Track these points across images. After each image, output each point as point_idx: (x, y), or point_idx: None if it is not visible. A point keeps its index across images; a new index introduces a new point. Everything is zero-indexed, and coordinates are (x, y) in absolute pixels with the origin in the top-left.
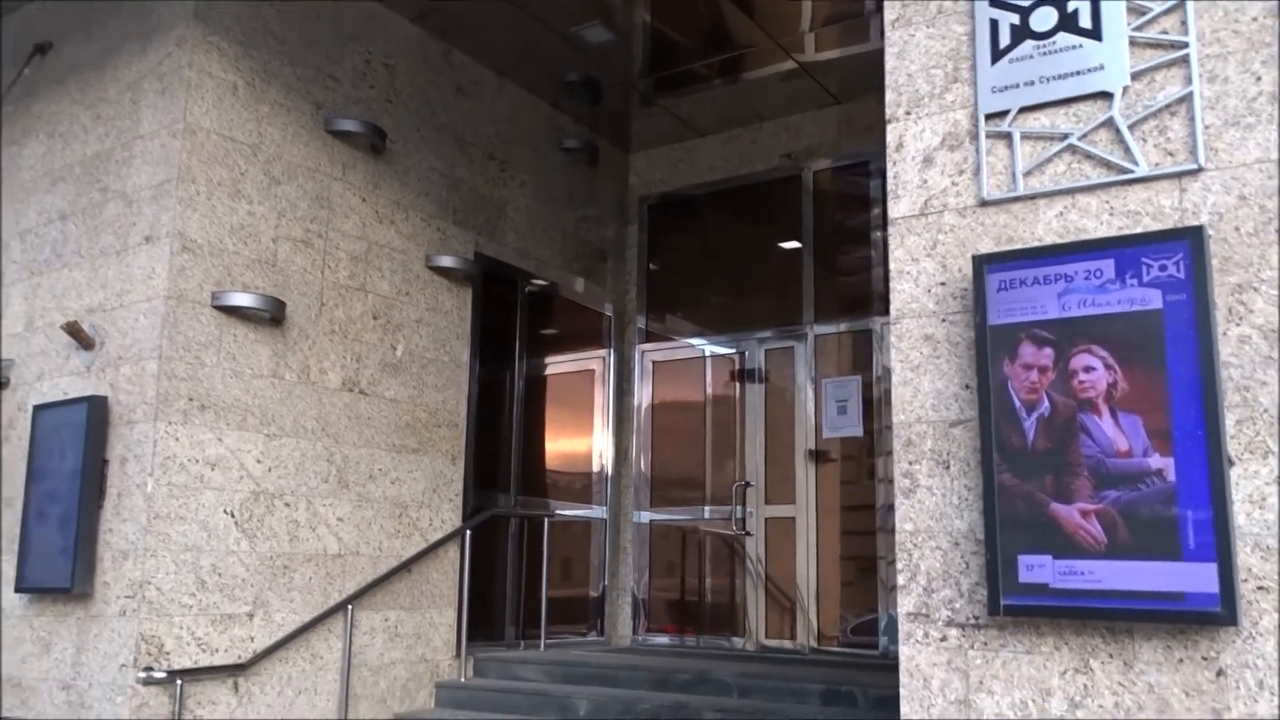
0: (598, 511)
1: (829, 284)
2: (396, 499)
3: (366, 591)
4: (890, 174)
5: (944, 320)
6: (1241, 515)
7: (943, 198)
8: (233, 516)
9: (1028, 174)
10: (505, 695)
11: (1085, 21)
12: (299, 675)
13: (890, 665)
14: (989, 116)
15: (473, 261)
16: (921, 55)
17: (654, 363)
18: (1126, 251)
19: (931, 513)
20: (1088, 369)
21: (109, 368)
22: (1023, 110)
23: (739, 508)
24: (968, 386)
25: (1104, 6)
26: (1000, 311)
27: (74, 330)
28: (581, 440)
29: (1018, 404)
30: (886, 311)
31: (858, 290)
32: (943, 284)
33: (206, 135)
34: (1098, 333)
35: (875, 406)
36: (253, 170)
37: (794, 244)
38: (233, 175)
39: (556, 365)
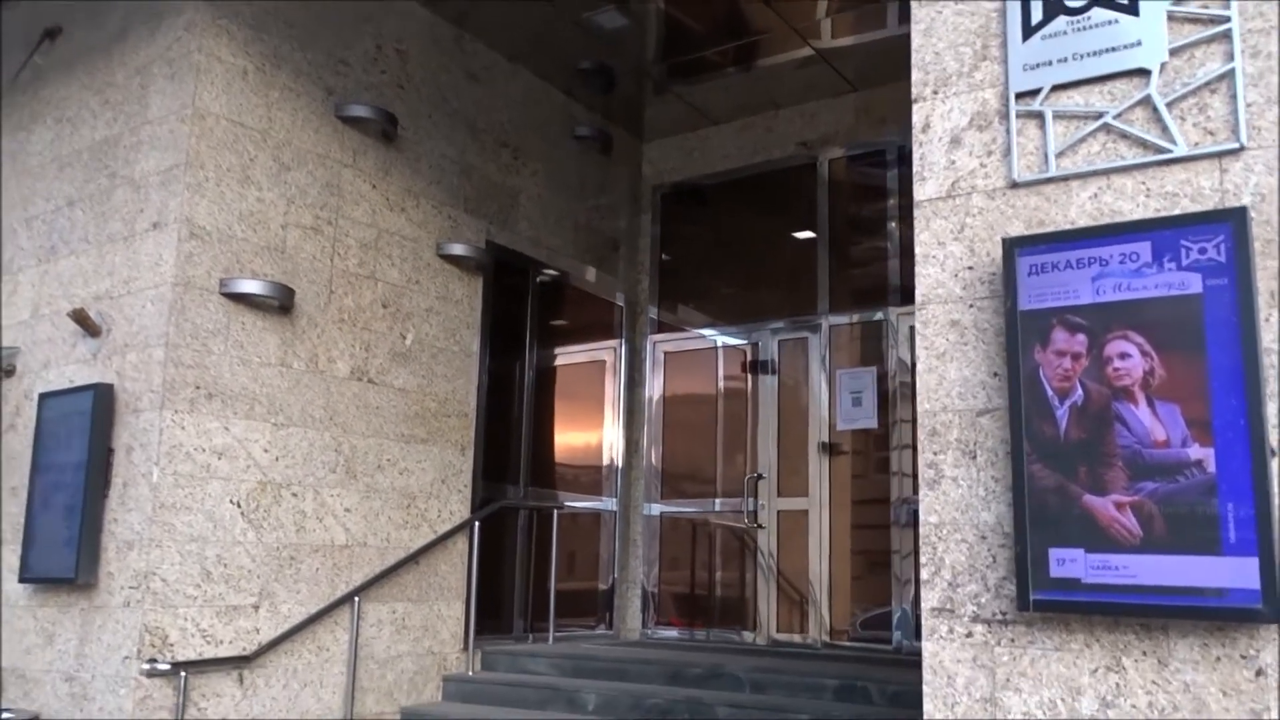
0: (608, 503)
1: (844, 274)
2: (405, 490)
3: (374, 583)
4: (916, 155)
5: (971, 306)
6: None
7: (971, 179)
8: (239, 507)
9: (1060, 154)
10: (513, 689)
11: None
12: (305, 668)
13: (904, 660)
14: (1020, 95)
15: (484, 250)
16: (949, 32)
17: (666, 353)
18: (1164, 234)
19: (957, 504)
20: (1123, 356)
21: (115, 355)
22: (1055, 88)
23: (751, 500)
24: (996, 374)
25: None
26: (1031, 296)
27: (80, 317)
28: (592, 431)
29: (1049, 392)
30: (902, 302)
31: (873, 281)
32: (970, 268)
33: (215, 120)
34: (1134, 318)
35: (891, 398)
36: (262, 156)
37: (809, 234)
38: (242, 161)
39: (567, 355)
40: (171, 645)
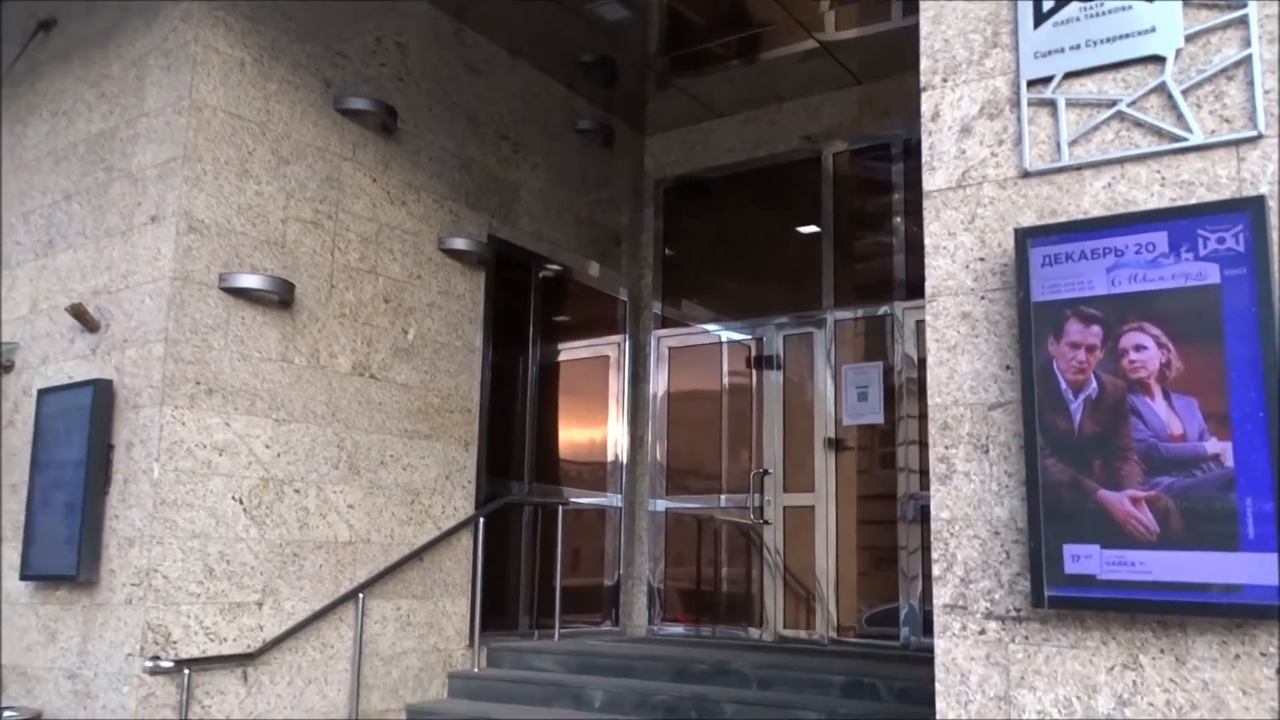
0: (613, 499)
1: (849, 269)
2: (408, 486)
3: (378, 580)
4: (925, 144)
5: (983, 298)
6: None
7: (981, 169)
8: (241, 503)
9: (1073, 143)
10: (519, 686)
11: None
12: (309, 665)
13: (912, 657)
14: (1031, 83)
15: (486, 244)
16: (959, 19)
17: (670, 349)
18: (1181, 223)
19: (969, 500)
20: (1139, 348)
21: (114, 350)
22: (1068, 76)
23: (757, 496)
24: (1008, 367)
25: None
26: (1044, 288)
27: (78, 312)
28: (596, 427)
29: (1063, 385)
30: (908, 297)
31: (878, 275)
32: (981, 259)
33: (213, 113)
34: (1150, 309)
35: (897, 394)
36: (260, 149)
37: (813, 228)
38: (240, 154)
39: (571, 351)
40: (174, 643)
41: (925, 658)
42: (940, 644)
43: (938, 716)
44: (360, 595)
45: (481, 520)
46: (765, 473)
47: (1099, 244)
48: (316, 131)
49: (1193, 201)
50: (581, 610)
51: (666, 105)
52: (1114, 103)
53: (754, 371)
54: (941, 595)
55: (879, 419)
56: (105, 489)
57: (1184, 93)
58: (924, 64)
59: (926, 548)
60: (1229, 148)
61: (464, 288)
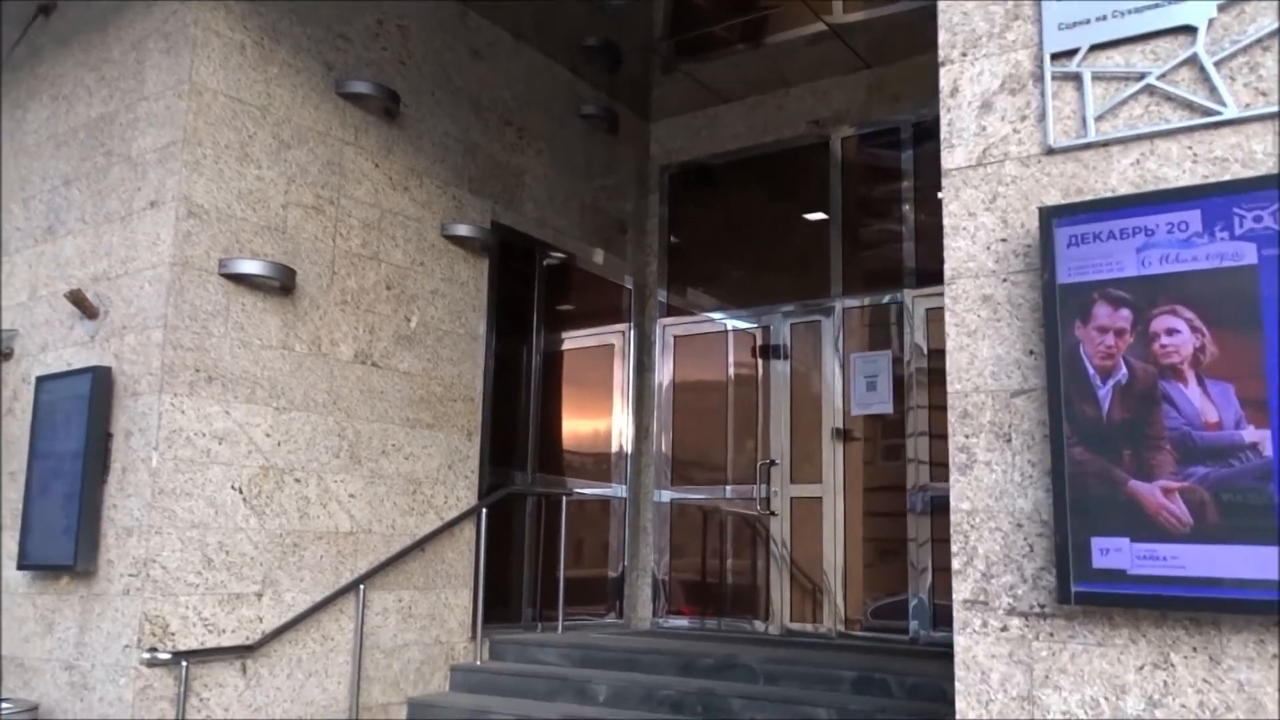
0: (617, 490)
1: (857, 256)
2: (410, 475)
3: (379, 571)
4: (944, 121)
5: (1005, 280)
6: None
7: (1003, 146)
8: (241, 492)
9: (1099, 118)
10: (522, 679)
11: None
12: (309, 657)
13: (922, 651)
14: (1055, 56)
15: (489, 231)
16: None
17: (675, 337)
18: (1216, 201)
19: (990, 491)
20: (1171, 332)
21: (113, 337)
22: (1094, 48)
23: (764, 487)
24: (1032, 352)
25: None
26: (1071, 269)
27: (77, 299)
28: (600, 417)
29: (1091, 371)
30: (918, 284)
31: (888, 263)
32: (1003, 240)
33: (213, 96)
34: (1182, 291)
35: (906, 384)
36: (261, 133)
37: (821, 215)
38: (240, 138)
39: (575, 339)
40: (172, 634)
41: (935, 652)
42: (960, 641)
43: (958, 716)
44: (361, 586)
45: (484, 511)
46: (772, 463)
47: (1128, 223)
48: (318, 116)
49: (1227, 178)
50: (585, 602)
51: (672, 90)
52: (1143, 76)
53: (760, 360)
54: (961, 590)
55: (888, 409)
56: (103, 478)
57: (1217, 64)
58: (942, 37)
59: (937, 540)
60: (1265, 121)
61: (467, 275)
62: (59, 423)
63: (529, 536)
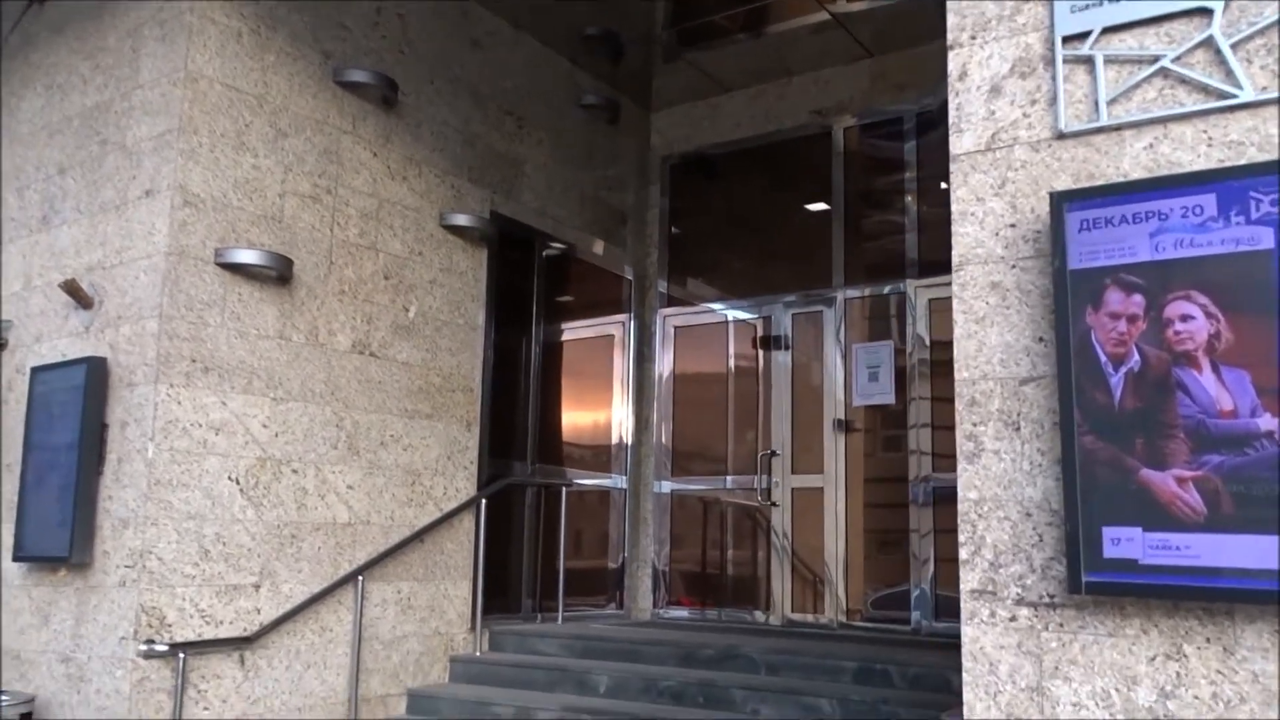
0: (617, 481)
1: (860, 246)
2: (409, 466)
3: (378, 562)
4: (952, 105)
5: (1014, 266)
6: None
7: (1013, 130)
8: (238, 483)
9: (1112, 102)
10: (522, 670)
11: None
12: (308, 648)
13: (924, 642)
14: (1067, 39)
15: (489, 221)
16: None
17: (676, 328)
18: (1232, 185)
19: (999, 479)
20: (1185, 318)
21: (109, 328)
22: (1106, 31)
23: (764, 478)
24: (1041, 339)
25: None
26: (1082, 255)
27: (72, 289)
28: (600, 407)
29: (1103, 358)
30: (921, 275)
31: (890, 253)
32: (1012, 226)
33: (209, 84)
34: (1197, 277)
35: (909, 375)
36: (258, 122)
37: (823, 205)
38: (237, 126)
39: (575, 330)
40: (169, 626)
41: (938, 643)
42: (968, 631)
43: (965, 708)
44: (360, 578)
45: (484, 502)
46: (773, 454)
47: (1141, 207)
48: (315, 104)
49: (1243, 162)
50: (585, 593)
51: (673, 80)
52: (1156, 59)
53: (761, 351)
54: (969, 580)
55: (890, 399)
56: (99, 469)
57: (1233, 47)
58: (951, 20)
59: (939, 531)
60: None
61: (466, 265)
62: (54, 414)
63: (528, 527)
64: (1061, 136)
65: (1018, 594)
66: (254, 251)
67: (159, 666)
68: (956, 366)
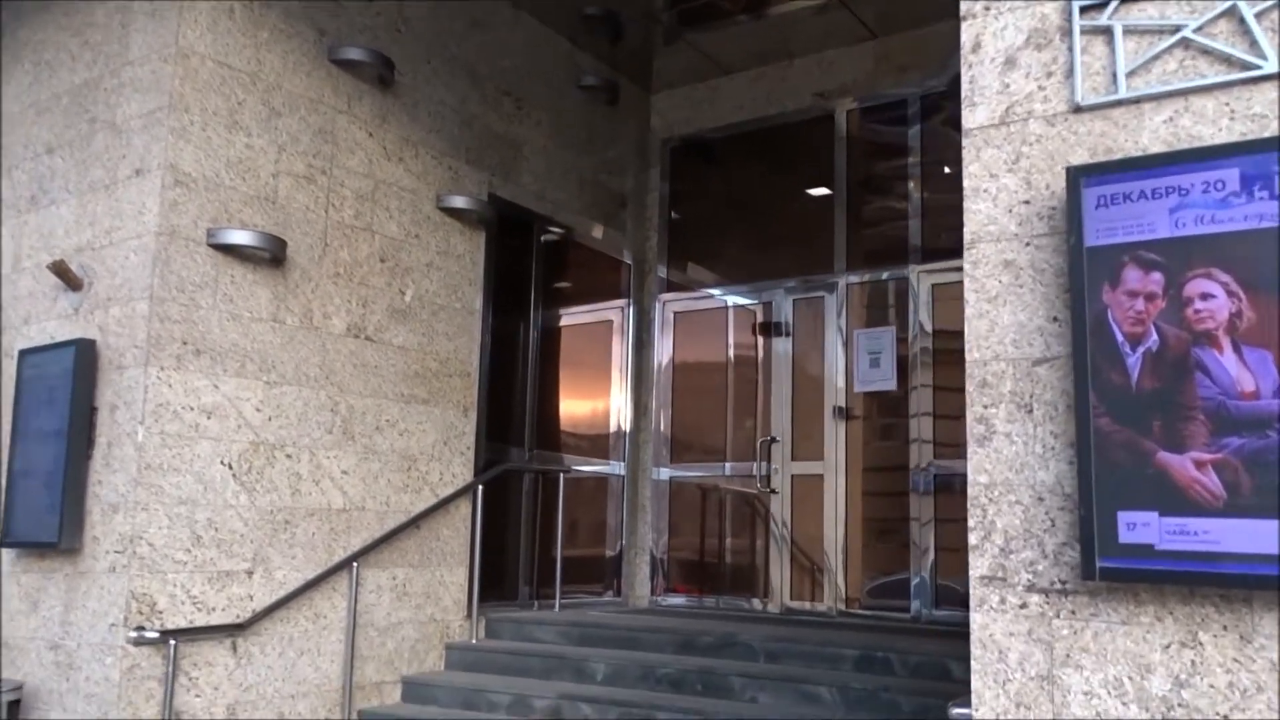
0: (615, 467)
1: (862, 231)
2: (405, 452)
3: (373, 548)
4: (965, 78)
5: (1028, 244)
6: None
7: (1028, 104)
8: (230, 468)
9: (1131, 74)
10: (519, 657)
11: None
12: (301, 636)
13: (923, 630)
14: (1084, 9)
15: (486, 203)
16: None
17: (675, 314)
18: (1255, 159)
19: (1010, 463)
20: (1205, 296)
21: (98, 309)
22: (1125, 1)
23: (764, 464)
24: (1055, 319)
25: None
26: (1099, 231)
27: (60, 270)
28: (599, 393)
29: (1119, 337)
30: (924, 260)
31: (892, 239)
32: (1026, 202)
33: (201, 61)
34: (1218, 254)
35: (911, 363)
36: (251, 100)
37: (825, 190)
38: (229, 105)
39: (573, 315)
40: (160, 612)
41: (938, 631)
42: (976, 618)
43: (973, 697)
44: (354, 564)
45: (480, 488)
46: (773, 440)
47: (1161, 183)
48: (310, 83)
49: (1267, 135)
50: (582, 581)
51: (673, 61)
52: (1177, 29)
53: (762, 337)
54: (978, 566)
55: (892, 386)
56: (88, 453)
57: (1258, 16)
58: None
59: (940, 520)
60: None
61: (463, 248)
62: (42, 397)
63: (525, 514)
64: (1078, 110)
65: (1029, 580)
66: (247, 232)
67: (150, 654)
68: (967, 347)
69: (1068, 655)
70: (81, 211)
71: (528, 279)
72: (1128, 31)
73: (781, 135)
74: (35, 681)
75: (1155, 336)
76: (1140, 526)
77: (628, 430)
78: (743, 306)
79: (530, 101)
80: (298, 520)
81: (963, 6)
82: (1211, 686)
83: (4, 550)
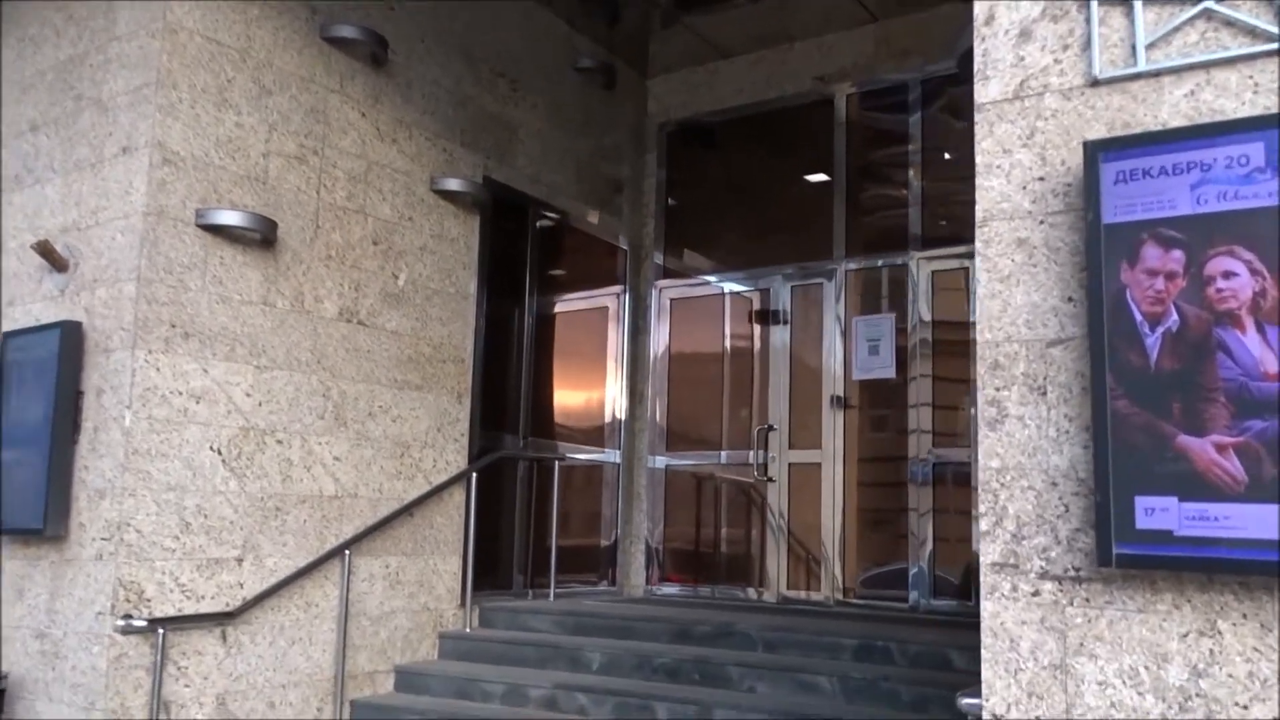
0: (610, 455)
1: (861, 218)
2: (398, 438)
3: (365, 536)
4: (978, 51)
5: (1042, 222)
6: None
7: (1043, 77)
8: (220, 454)
9: (1150, 46)
10: (513, 647)
11: None
12: (292, 624)
13: (922, 620)
14: None
15: (481, 186)
16: None
17: (671, 300)
18: None
19: (1023, 447)
20: (1228, 275)
21: (84, 291)
22: None
23: (761, 452)
24: (1070, 299)
25: None
26: (1118, 208)
27: (45, 250)
28: (594, 380)
29: (1138, 317)
30: (923, 247)
31: (892, 226)
32: (1041, 179)
33: (189, 36)
34: (1242, 231)
35: (910, 353)
36: (240, 78)
37: (824, 176)
38: (218, 82)
39: (569, 301)
40: (148, 600)
41: (936, 620)
42: (987, 606)
43: (983, 686)
44: (347, 552)
45: (474, 475)
46: (770, 428)
47: (1183, 158)
48: (301, 60)
49: None
50: (577, 570)
51: (671, 44)
52: None
53: (760, 324)
54: (989, 553)
55: (891, 373)
56: (74, 438)
57: None
58: None
59: (938, 510)
60: None
61: (458, 231)
62: (27, 381)
63: (520, 502)
64: (1095, 84)
65: (1041, 567)
66: (236, 213)
67: (137, 643)
68: (979, 328)
69: (1081, 644)
70: (67, 191)
71: (523, 264)
72: (1148, 2)
73: (780, 120)
74: (21, 671)
75: (1175, 316)
76: (1159, 512)
77: (623, 418)
78: (740, 293)
79: (526, 83)
80: (289, 507)
81: None
82: (1230, 676)
83: None
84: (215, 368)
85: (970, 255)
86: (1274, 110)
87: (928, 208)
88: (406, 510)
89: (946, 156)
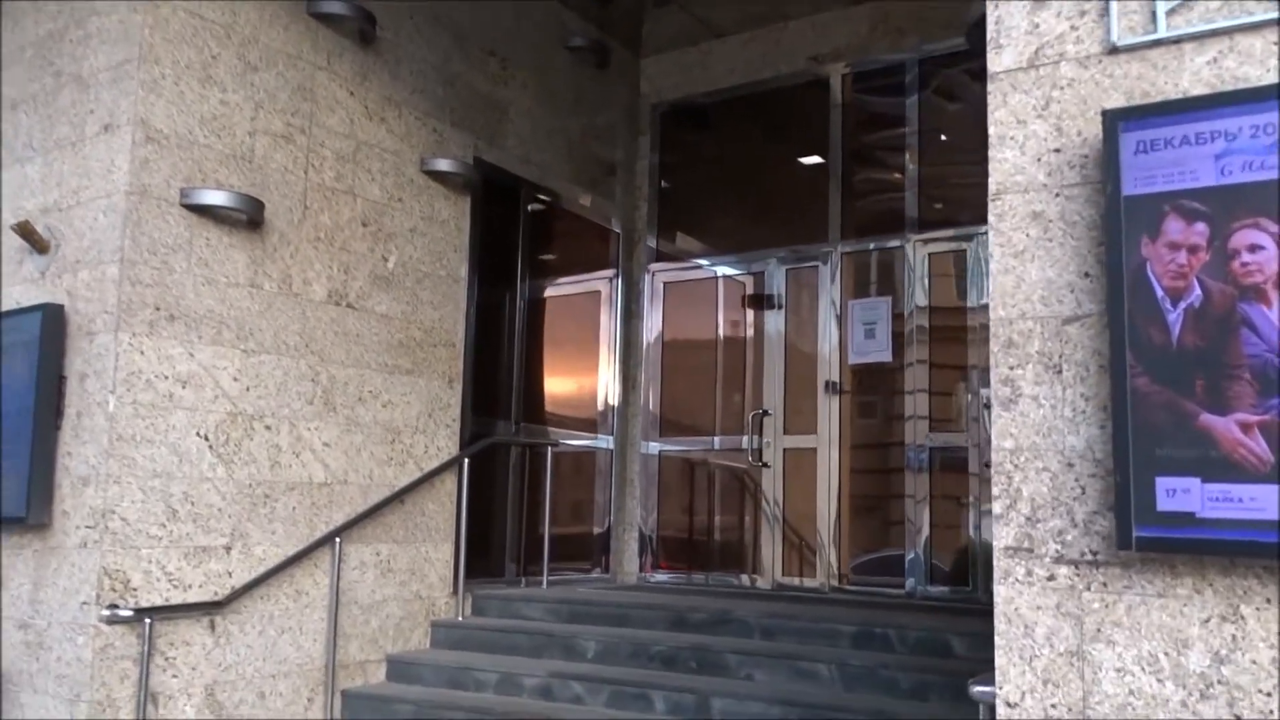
0: (603, 441)
1: (857, 200)
2: (388, 424)
3: (356, 523)
4: (991, 19)
5: (1058, 195)
6: None
7: (1059, 45)
8: (207, 440)
9: (1171, 12)
10: (506, 635)
11: None
12: (282, 613)
13: (919, 606)
14: None
15: (472, 167)
16: None
17: (665, 284)
18: None
19: (1037, 427)
20: (1254, 248)
21: (66, 273)
22: None
23: (755, 438)
24: (1087, 275)
25: None
26: (1138, 179)
27: (26, 231)
28: (587, 365)
29: (1159, 292)
30: (920, 230)
31: (888, 208)
32: (1057, 150)
33: (172, 11)
34: (1268, 203)
35: (906, 339)
36: (225, 54)
37: (819, 158)
38: (203, 58)
39: (561, 285)
40: (134, 590)
41: (933, 606)
42: (1001, 591)
43: (997, 673)
44: (337, 540)
45: (466, 461)
46: (765, 413)
47: (1206, 127)
48: (288, 37)
49: None
50: (570, 557)
51: (664, 24)
52: None
53: (753, 309)
54: (1003, 536)
55: (886, 357)
56: (57, 424)
57: None
58: None
59: (935, 496)
60: None
61: (448, 213)
62: (7, 365)
63: (512, 489)
64: (1114, 51)
65: (1057, 551)
66: (222, 193)
67: (124, 633)
68: (992, 305)
69: (1099, 630)
70: (47, 170)
71: (514, 247)
72: None
73: (774, 101)
74: (4, 662)
75: (1198, 291)
76: (1180, 493)
77: (616, 403)
78: (734, 277)
79: (516, 62)
80: (278, 494)
81: None
82: (1254, 662)
83: None
84: (201, 351)
85: (967, 238)
86: None
87: (924, 190)
88: (397, 497)
89: (943, 138)
